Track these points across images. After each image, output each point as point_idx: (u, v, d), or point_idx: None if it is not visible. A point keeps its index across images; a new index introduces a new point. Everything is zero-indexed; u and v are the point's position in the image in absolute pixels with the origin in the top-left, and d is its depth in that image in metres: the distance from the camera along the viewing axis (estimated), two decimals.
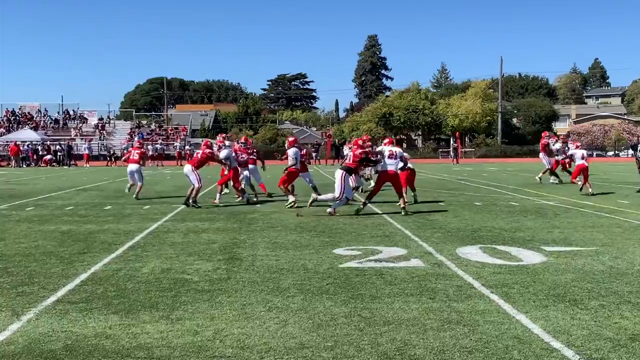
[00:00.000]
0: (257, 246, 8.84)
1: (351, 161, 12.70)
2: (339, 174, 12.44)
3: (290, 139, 14.95)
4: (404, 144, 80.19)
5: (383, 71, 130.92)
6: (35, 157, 48.21)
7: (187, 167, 14.44)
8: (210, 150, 14.84)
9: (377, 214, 12.92)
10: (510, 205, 14.60)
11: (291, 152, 14.29)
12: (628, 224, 11.04)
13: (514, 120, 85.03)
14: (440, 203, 15.02)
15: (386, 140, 13.59)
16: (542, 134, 24.67)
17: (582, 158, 18.17)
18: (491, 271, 7.09)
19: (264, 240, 9.34)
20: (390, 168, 12.66)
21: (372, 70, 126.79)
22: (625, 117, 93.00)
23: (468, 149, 72.15)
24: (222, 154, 15.26)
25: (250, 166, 16.74)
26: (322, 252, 8.29)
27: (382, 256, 7.96)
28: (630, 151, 16.97)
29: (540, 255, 8.02)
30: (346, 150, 22.27)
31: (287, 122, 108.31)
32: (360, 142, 13.24)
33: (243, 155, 16.11)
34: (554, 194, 17.83)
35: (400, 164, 13.01)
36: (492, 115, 74.92)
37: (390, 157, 12.81)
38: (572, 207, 13.88)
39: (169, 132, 63.66)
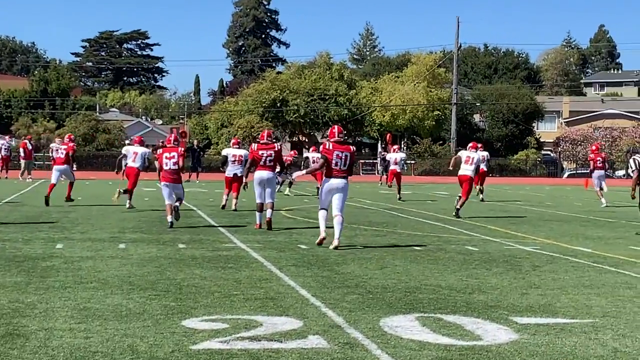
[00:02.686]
0: (54, 314, 8.62)
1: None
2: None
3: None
4: (304, 150, 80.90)
5: (273, 33, 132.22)
6: None
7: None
8: None
9: (257, 261, 12.92)
10: (466, 251, 14.95)
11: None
12: None
13: (476, 117, 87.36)
14: (357, 247, 15.22)
15: (470, 145, 23.96)
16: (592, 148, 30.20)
17: (395, 163, 28.77)
18: (434, 355, 7.20)
19: (67, 305, 9.13)
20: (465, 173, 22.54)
21: (255, 31, 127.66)
22: None
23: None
24: None
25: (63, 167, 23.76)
26: (163, 325, 8.18)
27: (262, 331, 7.95)
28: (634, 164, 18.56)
29: (509, 331, 8.21)
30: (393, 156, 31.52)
31: (114, 109, 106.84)
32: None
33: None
34: (534, 234, 18.46)
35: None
36: (442, 108, 76.56)
37: (466, 162, 22.53)
38: (560, 255, 14.41)
39: None
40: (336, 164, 14.66)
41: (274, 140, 19.21)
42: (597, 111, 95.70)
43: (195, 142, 53.35)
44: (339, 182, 14.68)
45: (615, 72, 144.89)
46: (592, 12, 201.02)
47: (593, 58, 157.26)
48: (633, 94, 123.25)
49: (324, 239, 14.79)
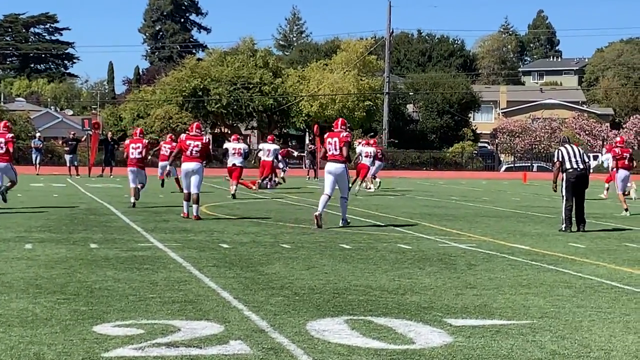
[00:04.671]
0: None
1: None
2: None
3: None
4: (227, 142, 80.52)
5: (193, 16, 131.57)
6: None
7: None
8: None
9: (175, 261, 12.85)
10: (398, 249, 15.01)
11: None
12: (582, 282, 11.67)
13: (410, 107, 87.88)
14: (283, 245, 15.22)
15: (363, 142, 33.16)
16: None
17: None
18: None
19: None
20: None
21: (173, 15, 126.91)
22: (585, 107, 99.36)
23: None
24: None
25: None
26: (73, 331, 8.08)
27: (180, 337, 7.90)
28: (565, 151, 18.73)
29: (443, 334, 8.26)
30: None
31: (20, 99, 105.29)
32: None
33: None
34: (469, 231, 18.67)
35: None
36: (374, 98, 76.81)
37: (366, 156, 31.65)
38: (496, 253, 14.57)
39: None
40: (329, 149, 18.14)
41: (203, 133, 21.30)
42: (535, 101, 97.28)
43: (109, 134, 52.70)
44: (334, 166, 18.08)
45: (555, 60, 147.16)
46: None
47: (532, 45, 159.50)
48: (573, 83, 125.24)
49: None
